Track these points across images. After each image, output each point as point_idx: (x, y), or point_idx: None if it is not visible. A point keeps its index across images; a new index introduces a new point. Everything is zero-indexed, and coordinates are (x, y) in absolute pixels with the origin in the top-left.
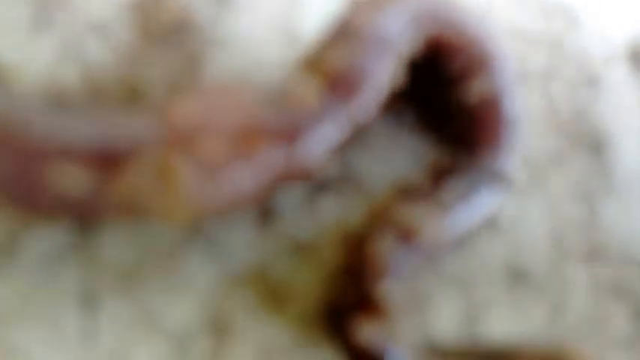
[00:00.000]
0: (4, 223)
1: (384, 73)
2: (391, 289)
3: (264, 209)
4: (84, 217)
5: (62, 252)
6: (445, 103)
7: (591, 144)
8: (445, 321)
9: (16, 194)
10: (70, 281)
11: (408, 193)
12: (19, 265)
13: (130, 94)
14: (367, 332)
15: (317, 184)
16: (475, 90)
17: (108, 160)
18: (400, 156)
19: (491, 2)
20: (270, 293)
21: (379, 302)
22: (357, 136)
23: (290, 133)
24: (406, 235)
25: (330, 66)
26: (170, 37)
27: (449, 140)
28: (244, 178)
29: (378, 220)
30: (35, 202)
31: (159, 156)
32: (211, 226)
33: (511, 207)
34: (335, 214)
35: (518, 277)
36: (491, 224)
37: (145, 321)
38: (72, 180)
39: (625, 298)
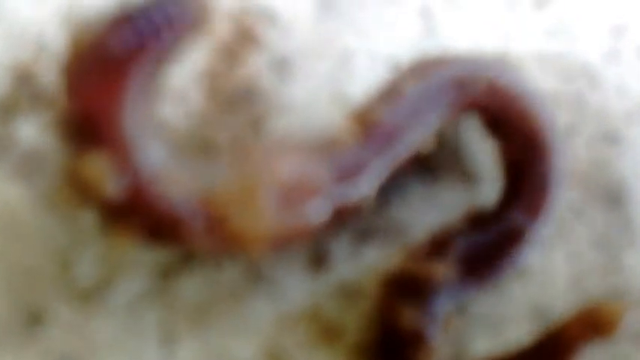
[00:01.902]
0: (97, 269)
1: (419, 131)
2: (432, 348)
3: (315, 256)
4: (179, 239)
5: (145, 295)
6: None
7: (611, 196)
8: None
9: (131, 208)
10: (151, 321)
11: (421, 251)
12: (109, 306)
13: (200, 152)
14: None
15: (362, 233)
16: (513, 151)
17: (204, 188)
18: (436, 209)
19: (517, 64)
20: (322, 332)
21: None
22: (398, 189)
23: (338, 173)
24: (425, 293)
25: (371, 119)
26: (237, 102)
27: (483, 197)
28: (307, 210)
29: (395, 287)
30: (145, 215)
31: (243, 184)
32: (269, 270)
33: (537, 254)
34: (378, 260)
35: (542, 319)
36: (519, 271)
37: (214, 356)
38: (176, 199)
39: None
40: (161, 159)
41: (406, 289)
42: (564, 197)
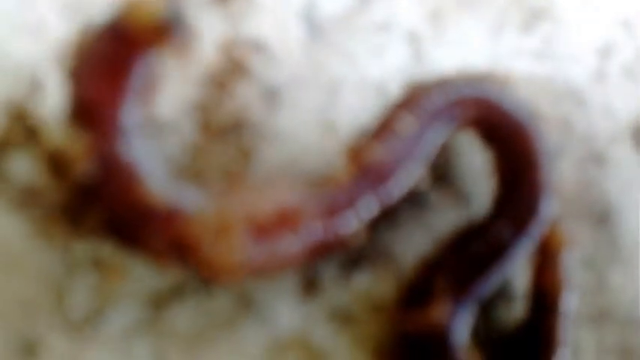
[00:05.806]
0: (91, 300)
1: (411, 169)
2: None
3: (306, 282)
4: (137, 243)
5: (138, 325)
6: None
7: (597, 216)
8: None
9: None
10: (144, 350)
11: (413, 288)
12: (102, 336)
13: (192, 183)
14: None
15: (352, 259)
16: (505, 164)
17: (179, 211)
18: (426, 232)
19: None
20: (313, 357)
21: None
22: (387, 216)
23: (327, 210)
24: (441, 341)
25: (366, 158)
26: (227, 133)
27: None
28: (289, 244)
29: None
30: (111, 206)
31: (221, 216)
32: (261, 297)
33: (524, 275)
34: (368, 285)
35: None
36: (505, 292)
37: None
38: (148, 205)
39: (630, 358)
40: (147, 161)
41: (423, 348)
42: (552, 214)
